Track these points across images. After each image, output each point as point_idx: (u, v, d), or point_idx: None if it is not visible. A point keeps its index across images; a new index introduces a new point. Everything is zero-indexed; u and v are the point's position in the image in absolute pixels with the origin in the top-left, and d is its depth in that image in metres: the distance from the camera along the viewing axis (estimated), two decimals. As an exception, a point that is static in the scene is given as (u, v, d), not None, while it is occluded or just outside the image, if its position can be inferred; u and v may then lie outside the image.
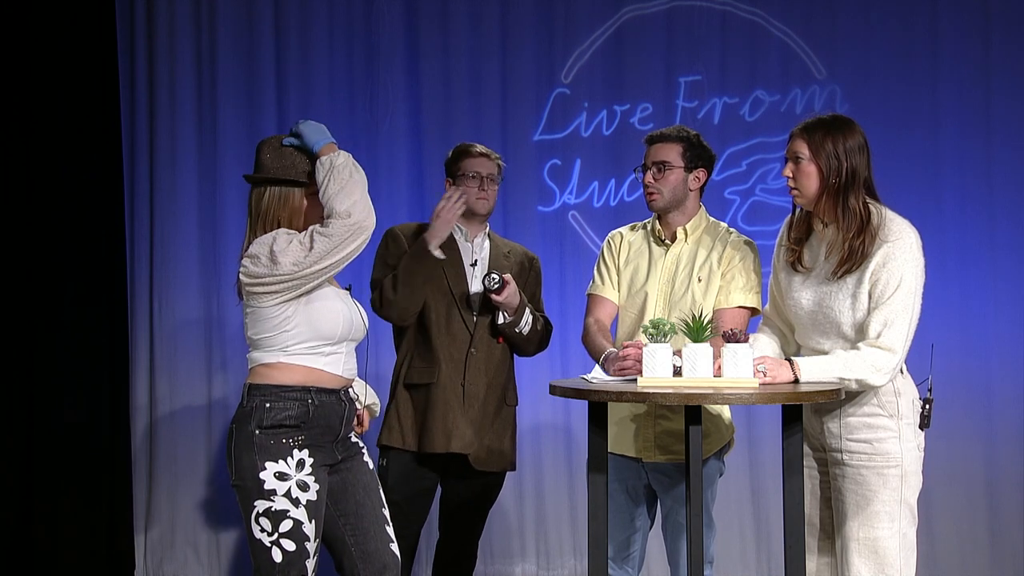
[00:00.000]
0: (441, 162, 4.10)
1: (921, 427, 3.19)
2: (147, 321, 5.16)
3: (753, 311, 3.57)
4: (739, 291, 3.53)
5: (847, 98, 5.13)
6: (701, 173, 3.64)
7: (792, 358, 3.16)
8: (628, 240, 3.72)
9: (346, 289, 3.26)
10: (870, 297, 3.13)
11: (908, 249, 3.11)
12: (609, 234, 3.81)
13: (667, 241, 3.64)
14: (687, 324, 3.11)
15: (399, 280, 3.78)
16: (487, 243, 4.01)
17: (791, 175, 3.20)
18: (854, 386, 3.11)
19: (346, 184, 3.02)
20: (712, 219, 3.70)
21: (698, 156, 3.62)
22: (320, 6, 5.22)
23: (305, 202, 3.14)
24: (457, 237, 3.99)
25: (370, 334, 3.39)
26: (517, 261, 4.02)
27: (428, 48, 5.21)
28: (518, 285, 3.95)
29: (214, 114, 5.19)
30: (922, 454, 3.22)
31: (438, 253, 3.78)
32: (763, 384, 3.04)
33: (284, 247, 3.02)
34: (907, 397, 3.20)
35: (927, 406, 3.19)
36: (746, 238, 3.65)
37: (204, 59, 5.20)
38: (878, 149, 4.84)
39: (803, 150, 3.17)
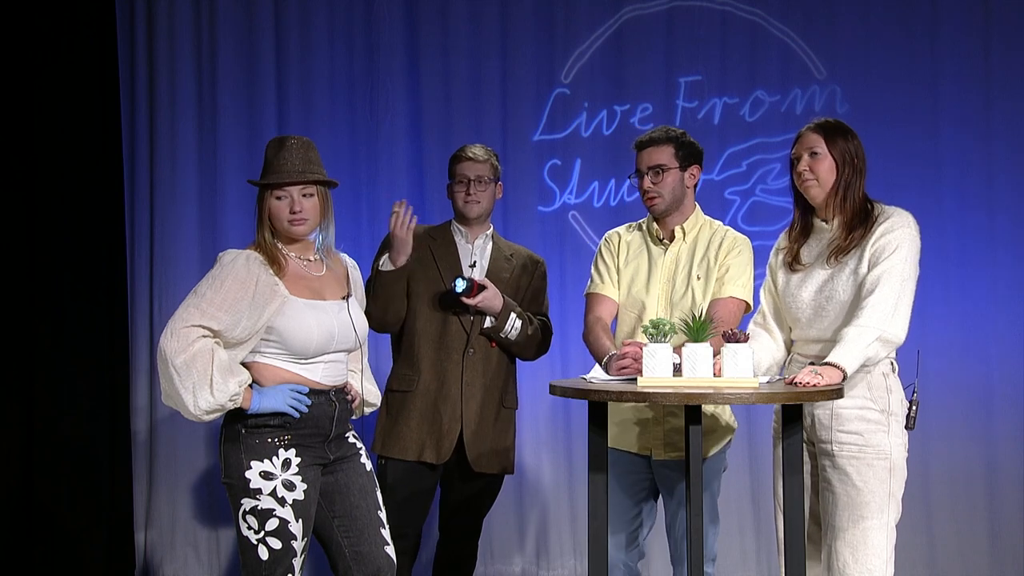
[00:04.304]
0: (440, 162, 4.11)
1: (906, 427, 3.27)
2: (147, 321, 5.16)
3: (747, 305, 3.61)
4: (732, 282, 3.58)
5: (847, 98, 5.13)
6: (695, 170, 3.67)
7: (826, 360, 3.15)
8: (626, 240, 3.73)
9: (343, 298, 3.24)
10: (869, 269, 3.22)
11: (907, 224, 3.25)
12: (606, 233, 3.82)
13: (665, 241, 3.66)
14: (687, 324, 3.12)
15: (370, 294, 3.79)
16: (489, 245, 4.00)
17: (808, 168, 3.29)
18: (880, 349, 3.15)
19: (168, 376, 2.99)
20: (707, 217, 3.72)
21: (690, 154, 3.65)
22: (320, 6, 5.22)
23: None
24: (457, 239, 3.99)
25: (369, 332, 3.39)
26: (520, 263, 4.01)
27: (428, 48, 5.21)
28: (518, 286, 3.95)
29: (214, 114, 5.19)
30: (907, 453, 3.28)
31: (389, 266, 3.78)
32: (815, 385, 3.02)
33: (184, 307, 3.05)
34: (897, 395, 3.27)
35: (913, 407, 3.26)
36: (742, 235, 3.68)
37: (204, 59, 5.20)
38: (878, 149, 4.89)
39: (819, 144, 3.30)
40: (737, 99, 5.18)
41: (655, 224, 3.68)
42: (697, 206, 3.70)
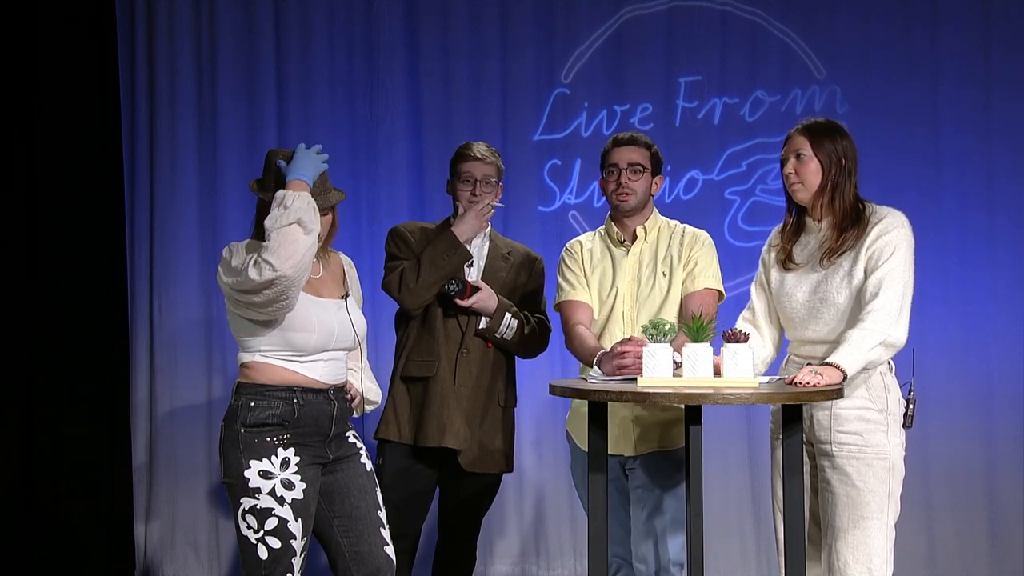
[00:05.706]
0: (440, 162, 4.10)
1: (904, 426, 3.27)
2: (147, 321, 5.16)
3: (720, 294, 3.68)
4: (703, 274, 3.65)
5: (847, 98, 5.13)
6: (659, 180, 3.79)
7: (827, 360, 3.15)
8: (588, 248, 3.80)
9: (341, 298, 3.24)
10: (866, 272, 3.22)
11: (901, 225, 3.26)
12: (567, 244, 3.87)
13: (627, 243, 3.73)
14: (687, 324, 3.12)
15: (423, 268, 3.77)
16: (487, 244, 4.00)
17: (794, 171, 3.30)
18: (882, 353, 3.15)
19: (287, 239, 2.95)
20: (664, 218, 3.80)
21: (658, 163, 3.78)
22: (320, 6, 5.22)
23: None
24: (455, 237, 3.98)
25: (369, 330, 3.39)
26: (518, 261, 4.00)
27: (428, 48, 5.21)
28: (516, 285, 3.94)
29: (214, 114, 5.19)
30: (904, 452, 3.29)
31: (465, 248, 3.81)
32: (815, 385, 3.01)
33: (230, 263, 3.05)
34: (894, 395, 3.28)
35: (910, 406, 3.27)
36: (701, 231, 3.76)
37: (204, 59, 5.20)
38: (878, 149, 4.89)
39: (805, 147, 3.31)
40: (737, 99, 5.18)
41: (614, 228, 3.75)
42: (655, 209, 3.79)
